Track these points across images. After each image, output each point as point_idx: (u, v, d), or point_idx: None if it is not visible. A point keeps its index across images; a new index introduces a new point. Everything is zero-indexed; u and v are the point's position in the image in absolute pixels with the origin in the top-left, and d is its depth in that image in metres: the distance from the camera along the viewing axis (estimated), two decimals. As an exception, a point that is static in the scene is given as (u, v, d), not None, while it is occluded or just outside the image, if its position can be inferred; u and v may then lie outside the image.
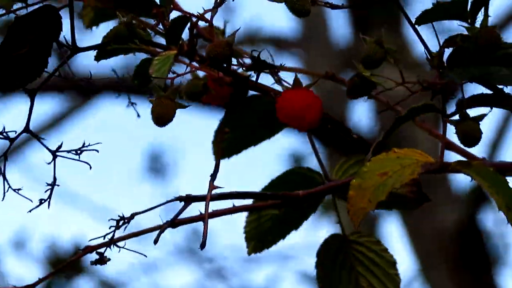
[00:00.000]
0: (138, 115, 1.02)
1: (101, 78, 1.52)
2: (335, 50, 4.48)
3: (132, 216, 0.91)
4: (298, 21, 4.98)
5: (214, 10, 0.98)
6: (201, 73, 1.08)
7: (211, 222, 0.93)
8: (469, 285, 2.83)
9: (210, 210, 0.91)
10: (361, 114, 4.19)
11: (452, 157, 1.03)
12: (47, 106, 5.22)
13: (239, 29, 1.03)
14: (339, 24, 4.32)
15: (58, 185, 0.95)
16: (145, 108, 1.03)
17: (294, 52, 5.01)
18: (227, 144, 0.97)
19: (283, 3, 1.06)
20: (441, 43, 0.97)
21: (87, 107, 5.32)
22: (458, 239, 3.36)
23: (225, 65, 0.93)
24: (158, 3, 1.00)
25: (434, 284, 3.11)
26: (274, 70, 0.99)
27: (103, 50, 0.97)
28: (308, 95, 0.96)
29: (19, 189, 1.00)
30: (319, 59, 4.36)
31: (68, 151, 0.93)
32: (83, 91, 4.66)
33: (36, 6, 0.94)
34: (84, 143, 0.93)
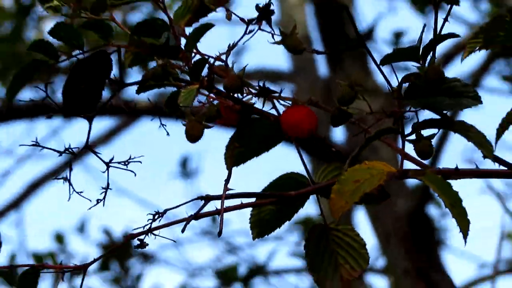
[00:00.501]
0: (168, 133, 1.04)
1: (142, 104, 1.55)
2: (319, 82, 4.43)
3: (165, 211, 0.95)
4: (288, 60, 5.03)
5: (227, 53, 1.02)
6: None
7: (225, 215, 0.97)
8: (419, 261, 2.86)
9: (224, 207, 0.96)
10: (338, 132, 4.27)
11: (407, 164, 1.09)
12: (101, 124, 5.52)
13: (247, 65, 1.06)
14: (321, 62, 4.35)
15: (110, 189, 1.00)
16: (175, 127, 1.10)
17: (285, 84, 5.01)
18: (236, 155, 1.00)
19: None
20: (399, 80, 1.02)
21: (132, 126, 5.62)
22: (410, 224, 3.41)
23: (238, 94, 0.98)
24: (184, 49, 1.04)
25: (392, 260, 3.13)
26: (272, 98, 1.04)
27: (143, 86, 1.02)
28: (306, 109, 1.00)
29: (81, 192, 1.05)
30: (306, 89, 4.35)
31: (119, 163, 0.99)
32: (128, 114, 4.71)
33: (92, 52, 1.00)
34: (130, 156, 0.99)
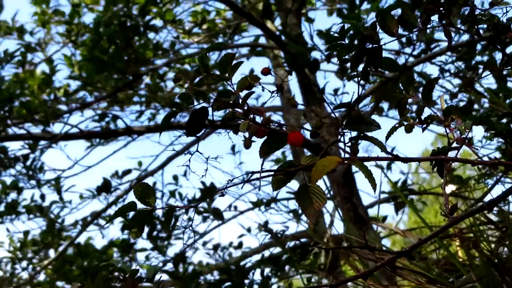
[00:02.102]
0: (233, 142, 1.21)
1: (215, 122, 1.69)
2: (300, 113, 4.22)
3: (248, 173, 1.15)
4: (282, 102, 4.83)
5: (262, 106, 1.22)
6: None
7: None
8: (347, 193, 2.98)
9: (261, 175, 1.15)
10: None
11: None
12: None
13: (271, 114, 1.23)
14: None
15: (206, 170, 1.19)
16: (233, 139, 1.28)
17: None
18: (265, 151, 1.15)
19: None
20: (341, 117, 1.23)
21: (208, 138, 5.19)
22: (343, 176, 3.45)
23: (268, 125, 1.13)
24: (241, 103, 1.24)
25: (335, 194, 3.29)
26: (281, 126, 1.24)
27: (224, 122, 1.20)
28: (297, 132, 1.15)
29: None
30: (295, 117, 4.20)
31: (213, 158, 1.20)
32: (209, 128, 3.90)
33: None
34: (217, 155, 1.20)
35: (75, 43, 3.32)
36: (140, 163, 4.51)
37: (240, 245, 4.46)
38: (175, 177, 4.74)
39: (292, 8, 2.65)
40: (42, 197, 3.88)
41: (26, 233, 4.07)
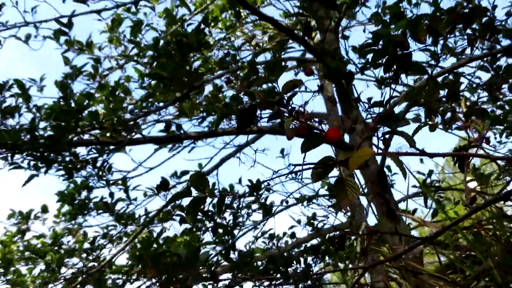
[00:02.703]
0: (277, 138, 1.19)
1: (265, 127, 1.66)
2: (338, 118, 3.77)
3: (270, 178, 1.14)
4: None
5: (304, 105, 1.20)
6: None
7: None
8: (380, 189, 2.90)
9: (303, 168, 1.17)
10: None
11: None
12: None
13: (312, 110, 1.20)
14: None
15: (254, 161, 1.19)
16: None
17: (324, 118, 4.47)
18: (306, 147, 1.11)
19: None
20: (375, 115, 1.18)
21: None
22: (377, 174, 3.38)
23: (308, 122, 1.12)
24: (285, 102, 1.23)
25: (369, 190, 3.13)
26: (321, 123, 1.21)
27: (271, 118, 1.20)
28: (336, 130, 1.11)
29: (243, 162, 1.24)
30: (334, 121, 3.91)
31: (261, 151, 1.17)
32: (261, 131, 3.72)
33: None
34: (264, 148, 1.18)
35: (137, 61, 3.35)
36: (200, 165, 4.52)
37: (293, 235, 4.37)
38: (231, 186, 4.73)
39: (329, 27, 2.61)
40: (111, 195, 3.93)
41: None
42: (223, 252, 2.86)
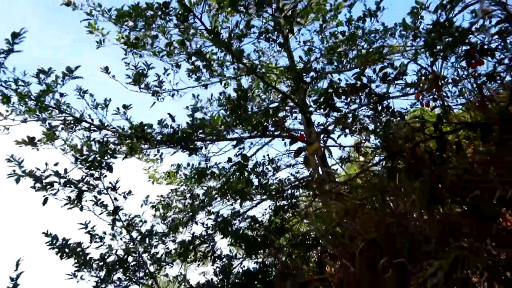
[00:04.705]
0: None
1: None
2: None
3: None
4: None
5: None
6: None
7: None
8: (324, 165, 5.29)
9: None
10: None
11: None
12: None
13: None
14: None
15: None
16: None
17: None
18: (296, 154, 4.13)
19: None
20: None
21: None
22: (322, 158, 6.75)
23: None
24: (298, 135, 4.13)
25: (318, 163, 5.21)
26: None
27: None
28: (303, 136, 4.01)
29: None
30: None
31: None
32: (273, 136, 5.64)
33: None
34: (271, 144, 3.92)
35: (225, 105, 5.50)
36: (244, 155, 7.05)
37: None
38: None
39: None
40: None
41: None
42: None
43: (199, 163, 5.58)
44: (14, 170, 3.53)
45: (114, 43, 4.76)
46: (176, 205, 5.75)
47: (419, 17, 4.02)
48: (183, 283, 4.33)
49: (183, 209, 5.54)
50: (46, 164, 3.64)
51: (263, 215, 5.87)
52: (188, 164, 6.03)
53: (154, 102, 4.95)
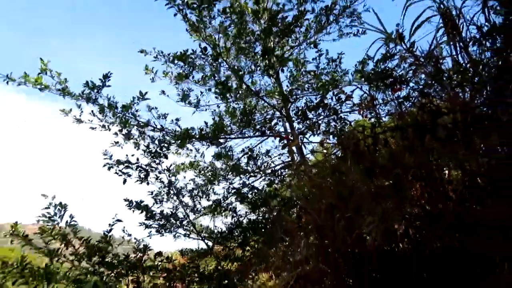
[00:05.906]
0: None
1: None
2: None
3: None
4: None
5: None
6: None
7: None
8: (301, 154, 4.98)
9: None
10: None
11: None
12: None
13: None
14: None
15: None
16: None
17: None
18: (284, 146, 4.15)
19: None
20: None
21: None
22: (300, 147, 6.64)
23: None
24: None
25: (297, 150, 5.23)
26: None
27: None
28: (287, 136, 3.86)
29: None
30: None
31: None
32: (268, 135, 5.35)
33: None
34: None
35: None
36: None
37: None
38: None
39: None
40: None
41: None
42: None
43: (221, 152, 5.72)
44: (108, 162, 3.76)
45: (161, 77, 5.02)
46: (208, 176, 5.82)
47: (366, 64, 4.34)
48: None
49: (211, 180, 5.66)
50: (126, 155, 3.92)
51: (262, 186, 5.97)
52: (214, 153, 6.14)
53: (194, 112, 5.17)
